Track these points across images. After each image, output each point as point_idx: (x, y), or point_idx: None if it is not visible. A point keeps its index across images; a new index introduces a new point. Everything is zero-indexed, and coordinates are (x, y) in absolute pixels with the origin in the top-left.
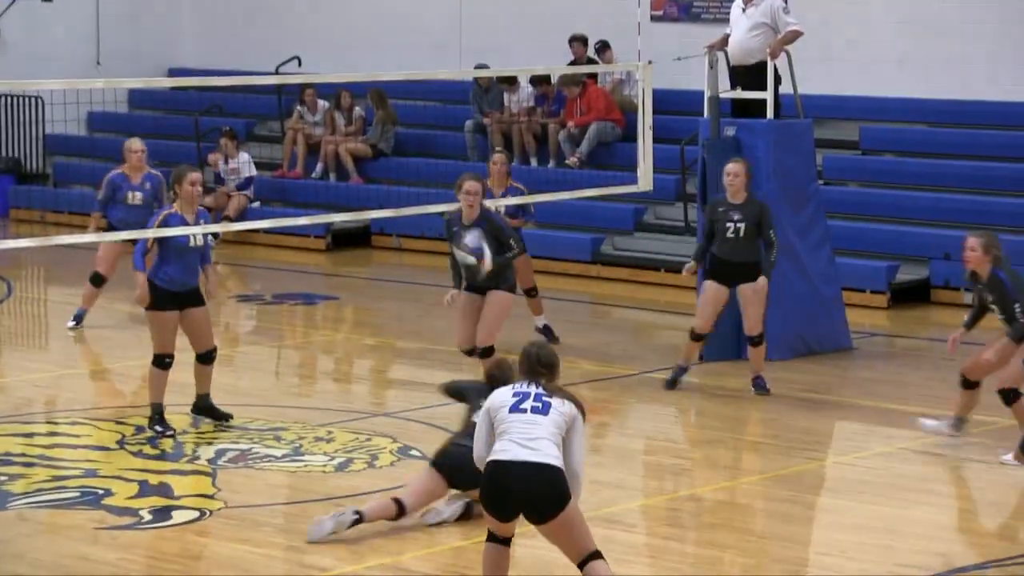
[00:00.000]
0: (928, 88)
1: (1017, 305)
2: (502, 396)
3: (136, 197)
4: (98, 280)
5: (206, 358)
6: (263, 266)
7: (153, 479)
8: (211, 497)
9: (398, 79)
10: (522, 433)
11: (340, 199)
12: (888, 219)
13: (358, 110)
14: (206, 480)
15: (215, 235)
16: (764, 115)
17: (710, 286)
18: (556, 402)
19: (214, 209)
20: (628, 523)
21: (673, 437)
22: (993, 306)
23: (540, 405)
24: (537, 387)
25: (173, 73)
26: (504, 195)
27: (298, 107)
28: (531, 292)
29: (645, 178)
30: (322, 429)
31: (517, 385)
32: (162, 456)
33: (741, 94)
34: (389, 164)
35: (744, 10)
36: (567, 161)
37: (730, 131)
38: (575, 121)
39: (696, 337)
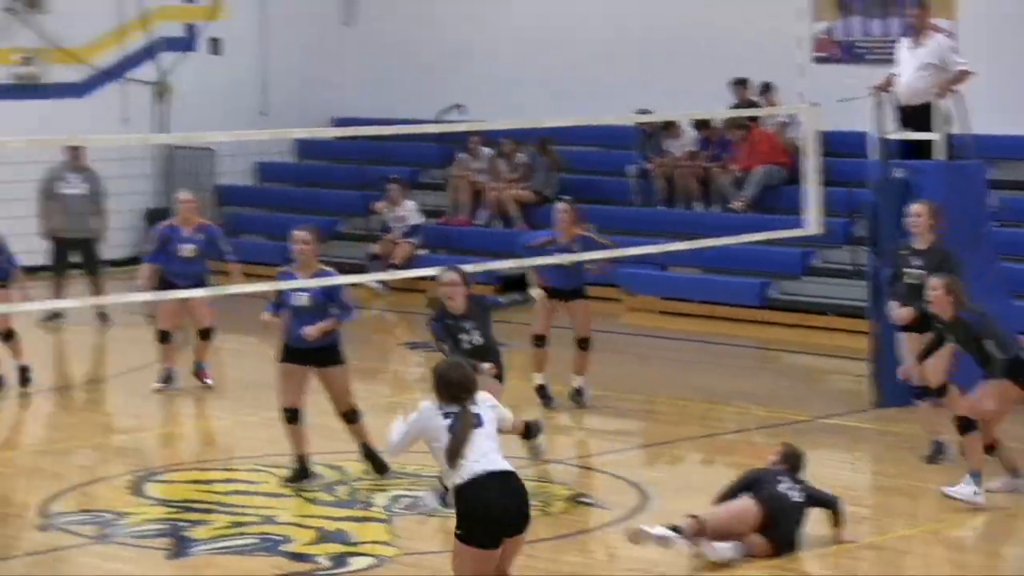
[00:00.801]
0: None
1: (990, 342)
2: (433, 423)
3: (188, 249)
4: (165, 337)
5: (347, 419)
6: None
7: (330, 525)
8: (387, 544)
9: (561, 125)
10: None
11: (506, 246)
12: None
13: (522, 156)
14: (382, 527)
15: (383, 283)
16: (934, 156)
17: (908, 337)
18: (487, 411)
19: (381, 257)
20: (807, 572)
21: (850, 484)
22: (958, 345)
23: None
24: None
25: (338, 123)
26: (572, 244)
27: (461, 154)
28: (583, 344)
29: (815, 221)
30: None
31: (442, 406)
32: (338, 503)
33: (909, 135)
34: (553, 210)
35: (911, 49)
36: (732, 205)
37: (899, 173)
38: (740, 165)
39: (923, 394)
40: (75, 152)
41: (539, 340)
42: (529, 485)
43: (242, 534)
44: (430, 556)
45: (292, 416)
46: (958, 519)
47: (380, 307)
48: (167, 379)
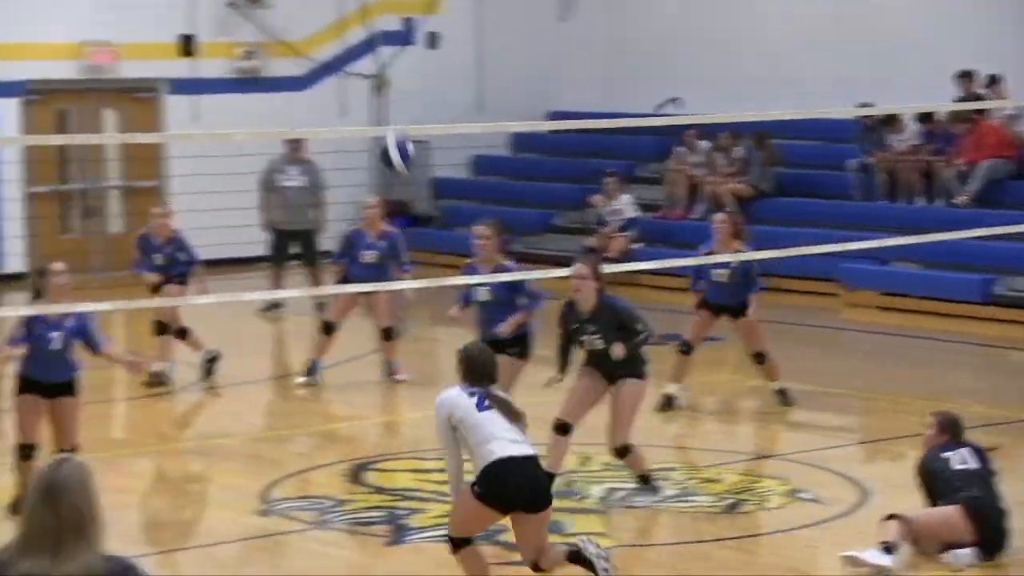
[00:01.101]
0: None
1: None
2: (462, 400)
3: (370, 255)
4: (329, 328)
5: None
6: (646, 307)
7: None
8: (602, 535)
9: (779, 118)
10: (505, 429)
11: None
12: None
13: (739, 150)
14: (597, 518)
15: None
16: None
17: None
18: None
19: (596, 250)
20: None
21: None
22: None
23: (489, 404)
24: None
25: (553, 116)
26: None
27: (678, 148)
28: (759, 358)
29: None
30: (710, 470)
31: (466, 387)
32: (553, 494)
33: None
34: (771, 204)
35: None
36: (956, 200)
37: None
38: (965, 158)
39: None
40: (295, 145)
41: (685, 347)
42: (747, 480)
43: None
44: (645, 549)
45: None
46: None
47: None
48: (311, 371)
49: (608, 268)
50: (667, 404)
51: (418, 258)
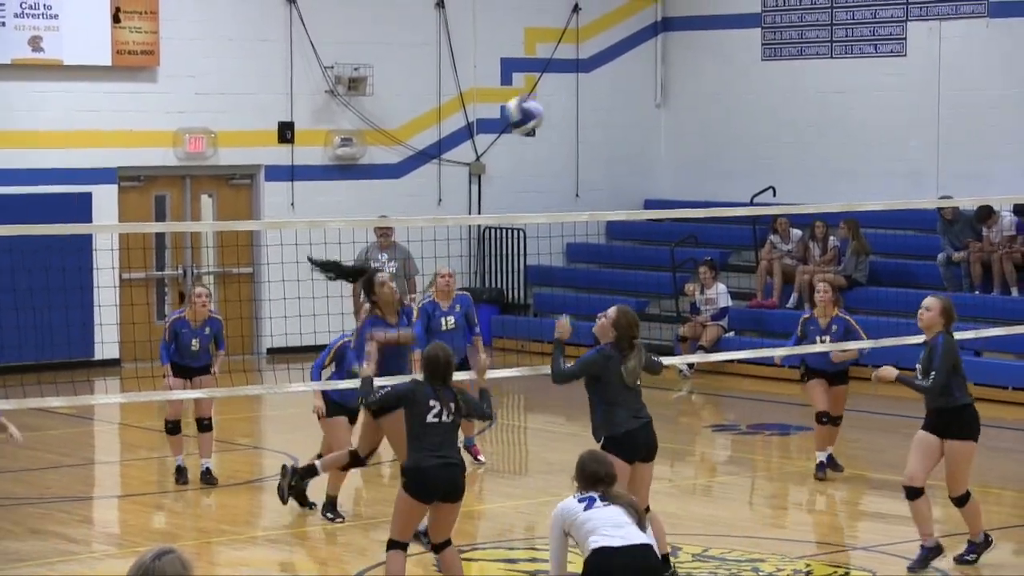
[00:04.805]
0: None
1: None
2: (570, 506)
3: (448, 322)
4: None
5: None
6: (738, 396)
7: None
8: None
9: (874, 209)
10: (609, 521)
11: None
12: None
13: (832, 240)
14: None
15: (689, 365)
16: None
17: None
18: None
19: (689, 339)
20: None
21: None
22: None
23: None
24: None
25: (649, 205)
26: (830, 325)
27: (771, 237)
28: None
29: None
30: (800, 562)
31: (579, 495)
32: None
33: None
34: (864, 294)
35: None
36: None
37: None
38: None
39: None
40: (385, 231)
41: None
42: (834, 573)
43: None
44: None
45: None
46: None
47: (686, 389)
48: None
49: (700, 357)
50: (823, 468)
51: (510, 346)
